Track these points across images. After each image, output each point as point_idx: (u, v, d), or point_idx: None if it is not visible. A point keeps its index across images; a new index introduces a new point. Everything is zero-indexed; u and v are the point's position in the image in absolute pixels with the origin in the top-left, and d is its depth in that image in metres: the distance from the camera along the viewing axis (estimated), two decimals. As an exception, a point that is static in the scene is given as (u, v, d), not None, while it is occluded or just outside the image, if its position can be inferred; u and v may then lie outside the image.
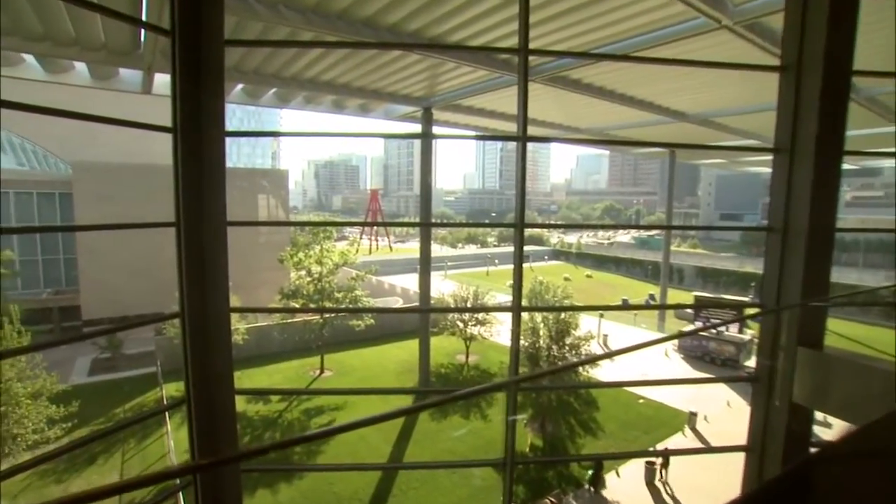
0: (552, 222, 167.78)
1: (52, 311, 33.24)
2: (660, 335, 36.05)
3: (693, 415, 21.16)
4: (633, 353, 2.25)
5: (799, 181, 2.87)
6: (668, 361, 29.82)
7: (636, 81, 17.48)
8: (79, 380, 25.44)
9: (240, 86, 18.10)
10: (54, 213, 34.33)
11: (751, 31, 11.39)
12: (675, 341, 31.55)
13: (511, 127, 24.57)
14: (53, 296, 34.10)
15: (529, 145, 3.14)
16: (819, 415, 3.44)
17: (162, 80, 16.11)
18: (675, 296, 51.96)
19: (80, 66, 15.51)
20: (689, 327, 32.87)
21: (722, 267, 63.09)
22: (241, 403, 21.93)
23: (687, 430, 20.77)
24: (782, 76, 2.96)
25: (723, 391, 24.04)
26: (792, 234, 2.91)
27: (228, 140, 2.60)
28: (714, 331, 29.80)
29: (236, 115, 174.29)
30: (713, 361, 29.38)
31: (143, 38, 13.10)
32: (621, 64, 15.30)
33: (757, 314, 2.96)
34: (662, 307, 8.55)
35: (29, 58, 14.56)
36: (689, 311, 38.13)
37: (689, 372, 28.10)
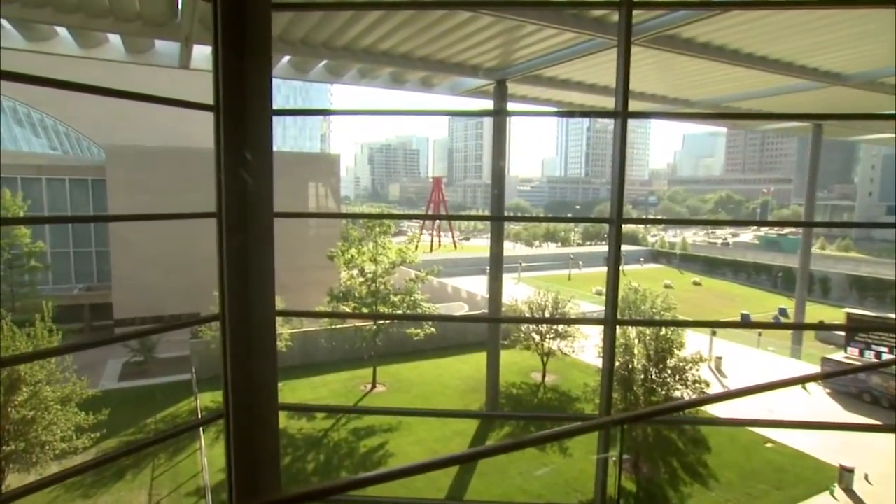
0: (654, 217, 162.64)
1: (84, 308, 36.16)
2: (800, 365, 33.78)
3: (847, 471, 19.43)
4: (770, 390, 2.10)
5: None
6: (807, 397, 27.80)
7: (770, 36, 16.36)
8: (109, 385, 27.50)
9: (286, 58, 18.82)
10: (87, 201, 37.28)
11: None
12: (819, 371, 29.26)
13: (602, 101, 23.98)
14: (85, 292, 37.08)
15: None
16: None
17: (201, 53, 17.06)
18: (817, 312, 48.65)
19: (115, 40, 16.76)
20: (838, 354, 30.50)
21: (888, 277, 58.15)
22: (282, 419, 22.84)
23: (838, 490, 19.12)
24: None
25: (892, 443, 21.99)
26: None
27: (273, 120, 2.67)
28: (877, 361, 27.01)
29: (281, 91, 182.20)
30: (876, 402, 26.47)
31: (180, 6, 13.95)
32: (754, 13, 14.38)
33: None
34: (800, 327, 7.96)
35: (62, 31, 15.90)
36: (837, 332, 35.41)
37: (839, 413, 25.87)
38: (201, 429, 21.30)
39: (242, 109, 2.51)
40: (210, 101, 2.62)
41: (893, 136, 36.91)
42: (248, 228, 2.55)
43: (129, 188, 34.09)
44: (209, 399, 25.35)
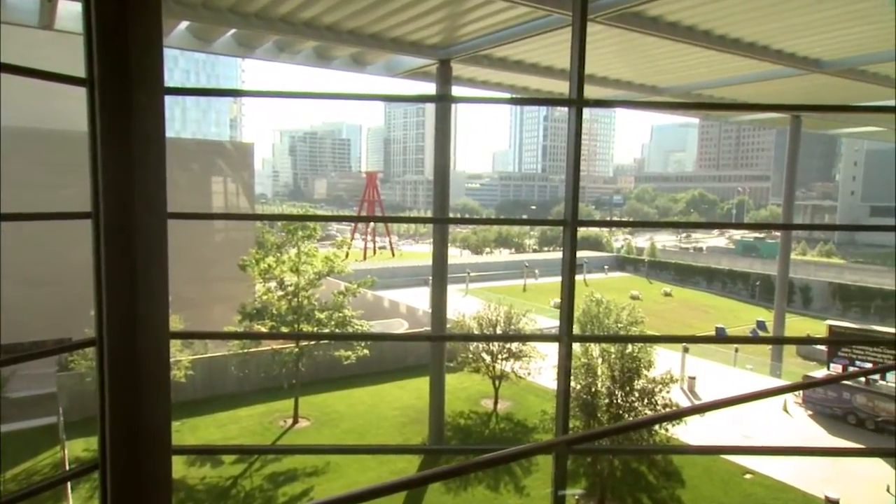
0: (616, 219, 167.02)
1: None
2: (780, 383, 35.24)
3: (833, 502, 20.22)
4: (736, 404, 2.17)
5: None
6: (788, 420, 29.09)
7: (745, 16, 17.10)
8: (-62, 436, 25.74)
9: (184, 24, 18.33)
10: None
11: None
12: (800, 392, 30.56)
13: (562, 87, 24.46)
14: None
15: (587, 113, 3.06)
16: None
17: (69, 10, 16.30)
18: (798, 325, 51.08)
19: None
20: (821, 372, 31.90)
21: (873, 285, 61.58)
22: (179, 466, 22.13)
23: None
24: None
25: (880, 469, 23.11)
26: None
27: (169, 101, 2.59)
28: (863, 380, 28.26)
29: (179, 64, 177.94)
30: (861, 424, 27.77)
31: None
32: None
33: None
34: (778, 341, 8.31)
35: None
36: (819, 347, 37.06)
37: (823, 437, 27.17)
38: (69, 485, 20.29)
39: (125, 85, 2.41)
40: (81, 72, 2.51)
41: (876, 129, 39.19)
42: (133, 231, 2.44)
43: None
44: (81, 447, 24.21)
